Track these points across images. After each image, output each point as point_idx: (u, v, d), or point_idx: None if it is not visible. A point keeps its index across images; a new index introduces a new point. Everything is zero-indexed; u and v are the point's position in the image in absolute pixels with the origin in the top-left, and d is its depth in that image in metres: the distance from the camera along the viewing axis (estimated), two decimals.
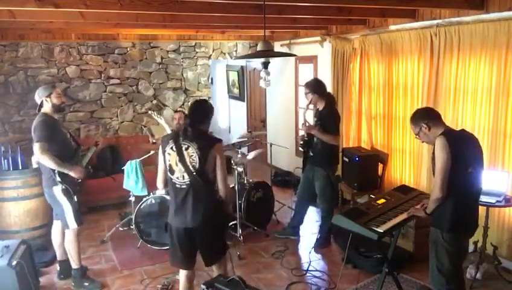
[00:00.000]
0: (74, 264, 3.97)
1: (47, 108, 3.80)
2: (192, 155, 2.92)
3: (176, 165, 2.96)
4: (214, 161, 2.97)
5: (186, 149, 2.94)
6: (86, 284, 3.98)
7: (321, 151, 4.53)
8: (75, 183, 3.83)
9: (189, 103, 3.23)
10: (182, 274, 3.28)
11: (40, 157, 3.63)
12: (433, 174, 2.91)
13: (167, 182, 3.14)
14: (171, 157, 2.98)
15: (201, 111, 3.07)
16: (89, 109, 6.91)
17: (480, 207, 3.16)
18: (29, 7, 3.30)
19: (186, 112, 3.17)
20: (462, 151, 2.83)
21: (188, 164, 2.93)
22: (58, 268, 4.18)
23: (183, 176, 2.96)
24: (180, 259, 3.17)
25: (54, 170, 3.68)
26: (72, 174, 3.73)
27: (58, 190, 3.74)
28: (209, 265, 3.23)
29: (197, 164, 2.92)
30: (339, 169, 5.84)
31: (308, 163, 4.70)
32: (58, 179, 3.70)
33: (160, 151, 3.11)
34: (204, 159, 2.92)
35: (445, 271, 2.95)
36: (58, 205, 3.83)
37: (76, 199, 3.84)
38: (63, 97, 3.93)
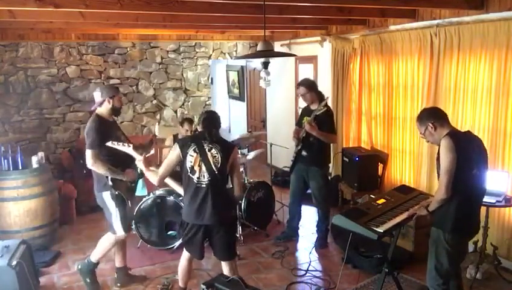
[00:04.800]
0: (92, 257, 3.88)
1: (105, 109, 3.68)
2: (215, 156, 3.17)
3: (198, 166, 3.17)
4: (230, 163, 3.25)
5: (210, 150, 3.18)
6: (87, 280, 3.90)
7: (317, 151, 4.53)
8: (128, 187, 3.75)
9: (201, 114, 3.41)
10: (185, 256, 3.48)
11: (92, 165, 3.56)
12: (438, 174, 2.90)
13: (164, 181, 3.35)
14: (194, 159, 3.18)
15: (218, 119, 3.33)
16: (89, 109, 6.88)
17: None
18: (29, 7, 3.30)
19: (197, 120, 3.49)
20: (468, 152, 2.82)
21: (211, 163, 3.16)
22: (116, 275, 4.05)
23: (203, 176, 3.18)
24: (196, 252, 3.39)
25: (107, 176, 3.60)
26: (124, 179, 3.65)
27: (107, 195, 3.66)
28: (222, 259, 3.41)
29: (219, 164, 3.17)
30: (339, 169, 5.86)
31: (301, 163, 4.68)
32: (110, 183, 3.60)
33: (174, 152, 3.24)
34: (226, 159, 3.19)
35: (443, 272, 2.96)
36: (107, 210, 3.74)
37: (130, 204, 3.78)
38: (122, 101, 3.80)
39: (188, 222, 3.28)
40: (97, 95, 3.69)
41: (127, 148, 3.40)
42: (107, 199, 3.69)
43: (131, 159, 3.60)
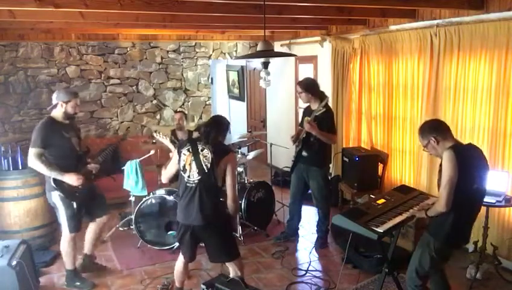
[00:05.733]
0: (67, 266, 4.00)
1: (58, 112, 3.76)
2: (206, 156, 3.17)
3: (189, 164, 3.20)
4: (224, 168, 3.20)
5: (202, 150, 3.20)
6: (78, 283, 4.01)
7: (318, 151, 4.52)
8: (74, 189, 3.75)
9: (207, 119, 3.57)
10: (181, 259, 3.50)
11: (31, 164, 3.64)
12: (438, 186, 2.88)
13: (172, 179, 3.53)
14: (186, 157, 3.23)
15: (221, 125, 3.34)
16: (89, 109, 6.90)
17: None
18: (29, 7, 3.30)
19: (202, 122, 3.60)
20: (470, 166, 2.80)
21: (202, 163, 3.17)
22: (81, 260, 4.21)
23: (193, 175, 3.19)
24: (186, 253, 3.41)
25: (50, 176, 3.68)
26: (66, 180, 3.67)
27: (56, 194, 3.74)
28: (217, 261, 3.50)
29: (209, 164, 3.15)
30: (339, 169, 5.86)
31: (302, 163, 4.67)
32: (53, 184, 3.67)
33: (175, 153, 3.38)
34: (216, 162, 3.16)
35: (422, 274, 3.01)
36: (57, 210, 3.84)
37: (75, 206, 3.79)
38: (79, 108, 3.87)
39: (179, 221, 3.33)
40: (53, 98, 3.79)
41: (166, 140, 3.74)
42: (55, 198, 3.76)
43: (81, 164, 3.83)
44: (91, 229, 4.15)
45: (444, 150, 2.83)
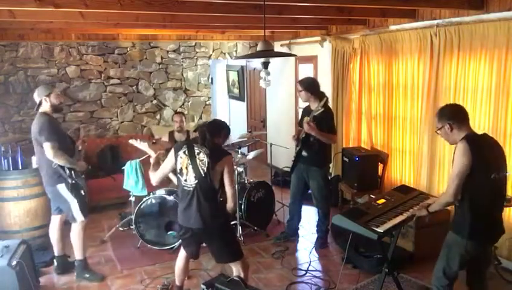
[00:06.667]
0: (78, 256, 4.06)
1: (46, 107, 3.86)
2: (202, 160, 3.13)
3: (186, 168, 3.17)
4: (221, 171, 3.17)
5: (198, 154, 3.15)
6: (87, 275, 4.07)
7: (317, 151, 4.52)
8: (80, 177, 3.94)
9: (207, 119, 3.54)
10: (182, 254, 3.53)
11: (54, 157, 3.69)
12: None
13: (162, 181, 3.52)
14: (183, 160, 3.19)
15: (217, 126, 3.33)
16: (89, 109, 6.90)
17: None
18: (29, 7, 3.30)
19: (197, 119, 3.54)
20: (485, 156, 2.76)
21: (198, 167, 3.13)
22: (55, 263, 4.25)
23: (190, 179, 3.17)
24: (189, 252, 3.48)
25: (63, 167, 3.77)
26: (78, 168, 3.88)
27: (62, 186, 3.83)
28: (218, 262, 3.53)
29: (205, 168, 3.11)
30: (339, 169, 5.86)
31: (302, 163, 4.67)
32: (68, 173, 3.78)
33: (171, 153, 3.32)
34: (212, 165, 3.12)
35: (451, 275, 2.92)
36: (63, 201, 3.90)
37: (83, 193, 3.95)
38: (62, 97, 4.00)
39: (179, 223, 3.34)
40: (35, 96, 3.88)
41: (144, 146, 3.69)
42: (62, 190, 3.84)
43: (77, 155, 3.99)
44: (56, 225, 4.15)
45: (455, 138, 2.81)
